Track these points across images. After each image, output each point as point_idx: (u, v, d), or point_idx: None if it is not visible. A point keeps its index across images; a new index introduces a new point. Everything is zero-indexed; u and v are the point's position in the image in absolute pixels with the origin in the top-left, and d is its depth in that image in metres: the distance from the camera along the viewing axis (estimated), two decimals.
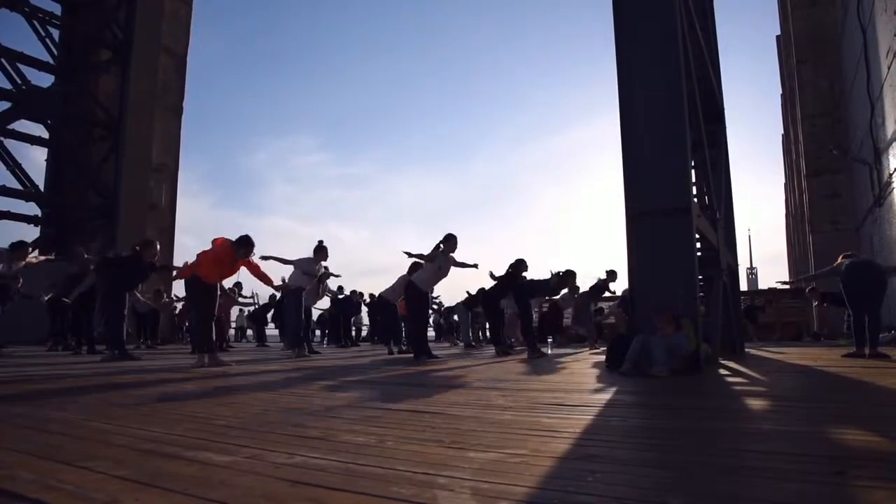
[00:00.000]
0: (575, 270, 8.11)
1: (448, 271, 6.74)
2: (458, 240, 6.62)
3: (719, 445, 1.67)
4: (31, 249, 7.15)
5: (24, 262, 6.91)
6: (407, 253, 6.81)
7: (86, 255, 8.14)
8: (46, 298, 8.59)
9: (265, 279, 6.10)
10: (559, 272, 7.55)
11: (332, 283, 11.30)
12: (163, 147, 17.34)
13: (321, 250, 7.59)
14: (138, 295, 9.69)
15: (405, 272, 8.00)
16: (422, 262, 6.90)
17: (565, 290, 8.90)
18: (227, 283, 9.06)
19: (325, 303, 12.17)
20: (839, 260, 6.04)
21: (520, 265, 7.20)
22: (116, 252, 6.86)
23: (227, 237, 5.62)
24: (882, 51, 10.12)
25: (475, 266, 6.94)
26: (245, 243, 5.54)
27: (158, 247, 6.56)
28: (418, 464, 1.39)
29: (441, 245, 6.56)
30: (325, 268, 8.51)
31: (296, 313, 7.46)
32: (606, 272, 9.56)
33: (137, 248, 6.33)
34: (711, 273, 6.08)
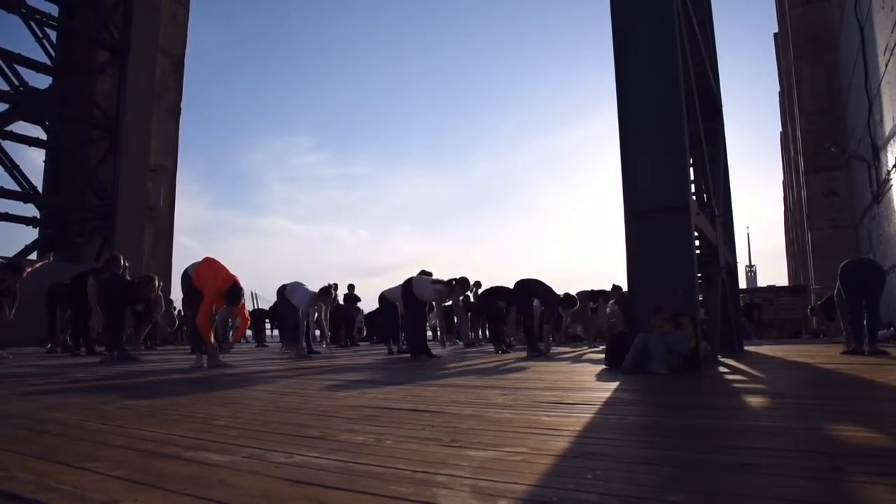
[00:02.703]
0: (576, 297, 8.77)
1: (448, 301, 7.57)
2: (470, 284, 7.61)
3: (718, 442, 1.67)
4: (28, 269, 7.03)
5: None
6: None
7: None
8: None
9: (242, 323, 6.29)
10: (565, 294, 8.31)
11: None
12: (161, 148, 17.33)
13: (326, 294, 7.82)
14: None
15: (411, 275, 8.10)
16: (430, 272, 7.77)
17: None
18: None
19: None
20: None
21: (528, 289, 7.45)
22: (112, 272, 6.73)
23: (233, 275, 5.50)
24: (880, 48, 10.13)
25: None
26: (233, 298, 5.44)
27: (158, 283, 6.59)
28: (418, 462, 1.39)
29: (454, 282, 7.25)
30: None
31: (293, 314, 7.47)
32: (613, 286, 10.25)
33: (137, 280, 6.34)
34: (710, 271, 6.08)
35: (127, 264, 7.00)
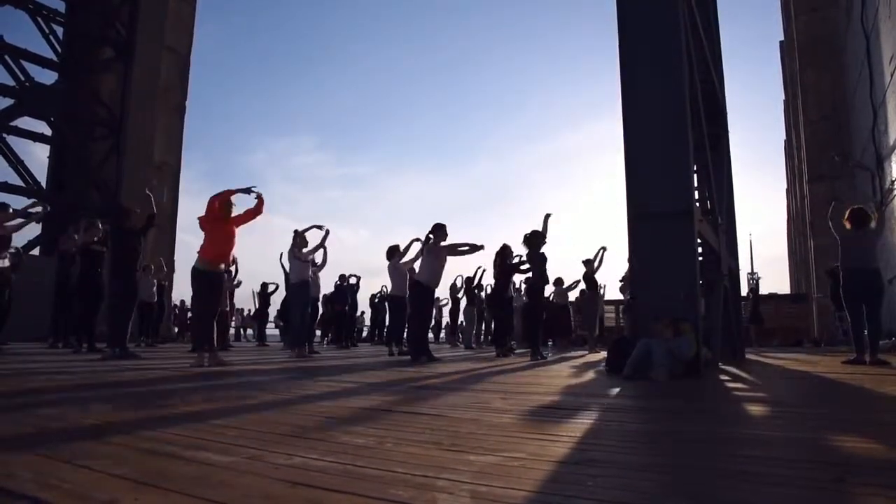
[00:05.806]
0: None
1: (446, 260, 6.73)
2: (447, 228, 6.66)
3: (719, 450, 1.67)
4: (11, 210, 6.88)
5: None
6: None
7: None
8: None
9: (257, 206, 5.56)
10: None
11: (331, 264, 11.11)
12: (165, 145, 17.35)
13: (296, 235, 7.69)
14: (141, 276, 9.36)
15: (405, 268, 8.07)
16: (398, 247, 7.82)
17: (555, 287, 9.48)
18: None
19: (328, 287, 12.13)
20: (847, 223, 5.94)
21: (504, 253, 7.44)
22: (93, 233, 7.05)
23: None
24: (885, 58, 10.13)
25: (480, 247, 6.84)
26: (218, 194, 5.25)
27: (137, 210, 6.53)
28: (417, 466, 1.39)
29: (431, 236, 6.63)
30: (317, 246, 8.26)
31: (301, 311, 7.51)
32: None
33: (115, 215, 6.39)
34: (712, 277, 6.07)
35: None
